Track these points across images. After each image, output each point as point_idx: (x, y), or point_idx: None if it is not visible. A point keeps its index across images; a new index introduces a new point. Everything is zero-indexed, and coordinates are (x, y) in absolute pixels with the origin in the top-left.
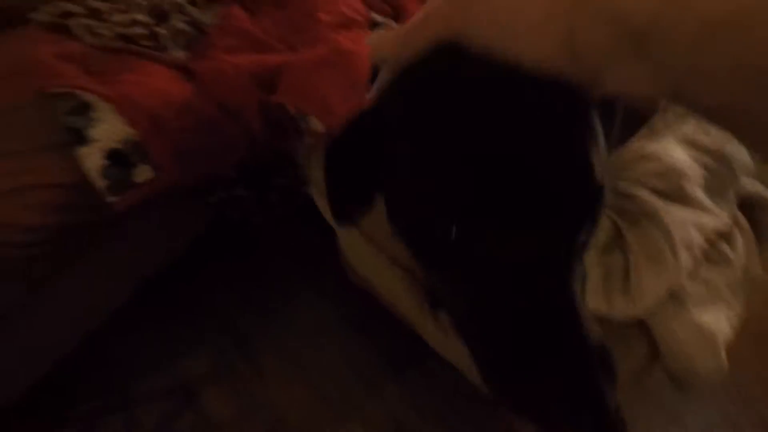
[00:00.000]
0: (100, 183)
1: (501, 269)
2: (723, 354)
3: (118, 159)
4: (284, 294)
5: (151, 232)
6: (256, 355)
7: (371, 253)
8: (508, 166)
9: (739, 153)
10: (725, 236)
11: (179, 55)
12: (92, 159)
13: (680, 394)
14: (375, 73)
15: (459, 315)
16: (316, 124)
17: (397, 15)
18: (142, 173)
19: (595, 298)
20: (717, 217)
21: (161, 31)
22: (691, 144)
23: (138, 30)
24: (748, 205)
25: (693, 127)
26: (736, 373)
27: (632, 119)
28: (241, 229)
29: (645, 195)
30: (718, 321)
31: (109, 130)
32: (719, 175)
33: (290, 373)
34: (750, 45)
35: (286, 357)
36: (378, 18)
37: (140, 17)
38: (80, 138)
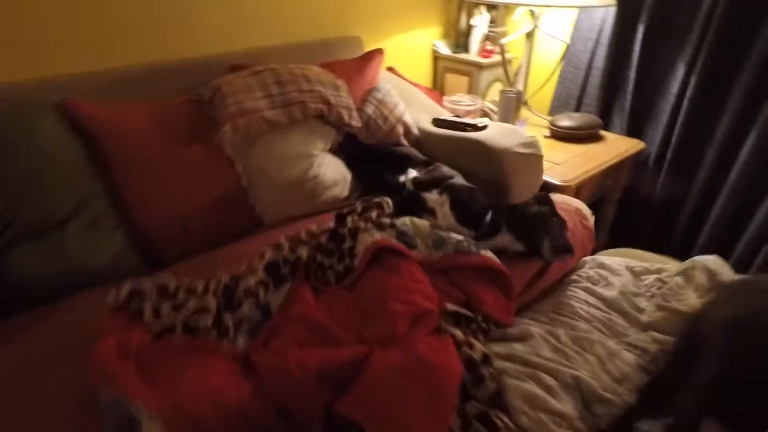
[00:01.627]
0: None
1: None
2: None
3: None
4: None
5: None
6: None
7: None
8: None
9: None
10: None
11: (240, 342)
12: None
13: None
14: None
15: None
16: None
17: (470, 302)
18: None
19: None
20: None
21: (226, 321)
22: None
23: (204, 320)
24: None
25: None
26: None
27: None
28: None
29: None
30: None
31: None
32: None
33: None
34: None
35: None
36: (451, 307)
37: (211, 304)
38: None
